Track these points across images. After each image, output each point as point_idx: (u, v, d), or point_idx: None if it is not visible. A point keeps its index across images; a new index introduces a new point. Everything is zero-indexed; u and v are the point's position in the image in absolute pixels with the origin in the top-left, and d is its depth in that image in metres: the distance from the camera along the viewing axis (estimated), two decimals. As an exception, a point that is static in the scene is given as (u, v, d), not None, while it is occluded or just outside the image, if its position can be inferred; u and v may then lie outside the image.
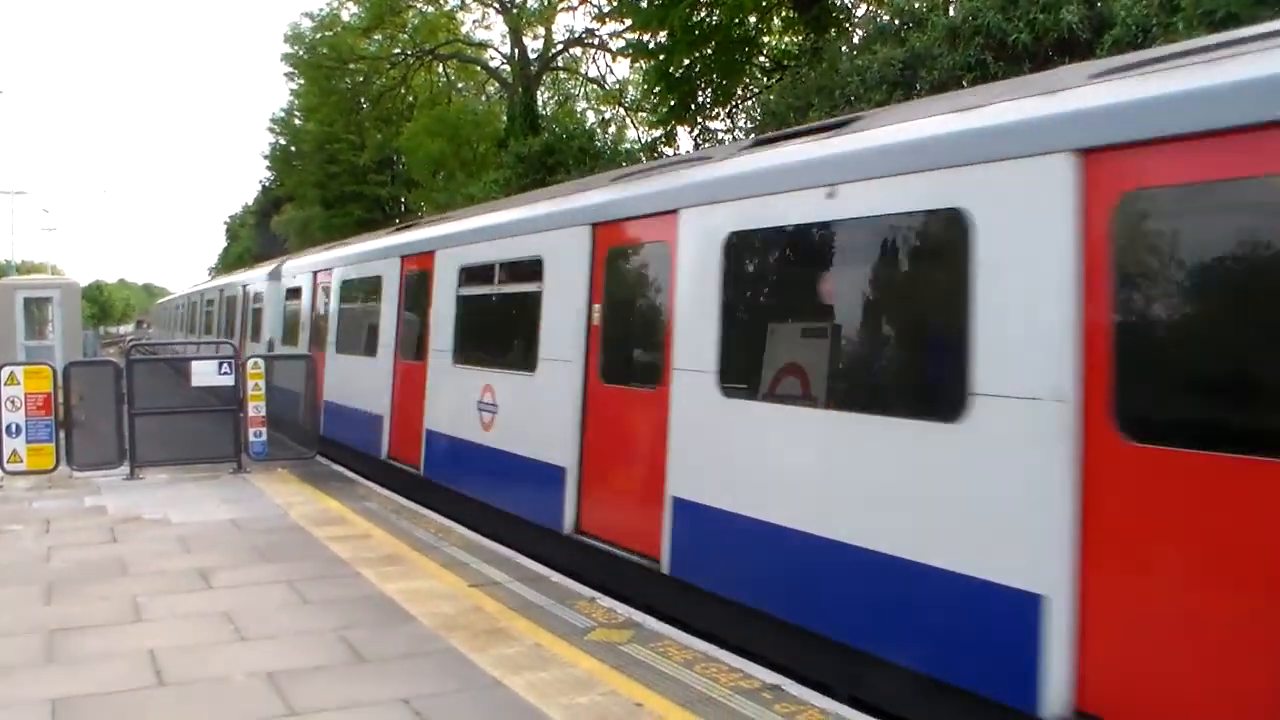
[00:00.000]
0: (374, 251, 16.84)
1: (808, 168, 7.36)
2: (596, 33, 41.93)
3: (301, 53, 48.55)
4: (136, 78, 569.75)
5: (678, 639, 7.37)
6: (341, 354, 17.53)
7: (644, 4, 25.27)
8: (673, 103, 26.31)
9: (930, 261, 6.57)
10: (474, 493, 12.06)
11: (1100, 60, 6.88)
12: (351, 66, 46.71)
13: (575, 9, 42.31)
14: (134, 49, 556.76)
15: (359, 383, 16.26)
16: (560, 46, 45.32)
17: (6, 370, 13.94)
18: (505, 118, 42.73)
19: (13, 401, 13.71)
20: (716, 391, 7.89)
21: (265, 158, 67.55)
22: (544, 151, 29.83)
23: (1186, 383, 5.13)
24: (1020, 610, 5.42)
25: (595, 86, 47.09)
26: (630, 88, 44.01)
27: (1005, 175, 5.79)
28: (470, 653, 6.99)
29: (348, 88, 48.70)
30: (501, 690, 6.31)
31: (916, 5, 18.62)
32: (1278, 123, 4.56)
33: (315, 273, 20.09)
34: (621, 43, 36.90)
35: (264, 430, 15.22)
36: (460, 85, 49.97)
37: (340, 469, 15.76)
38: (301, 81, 51.67)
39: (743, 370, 7.85)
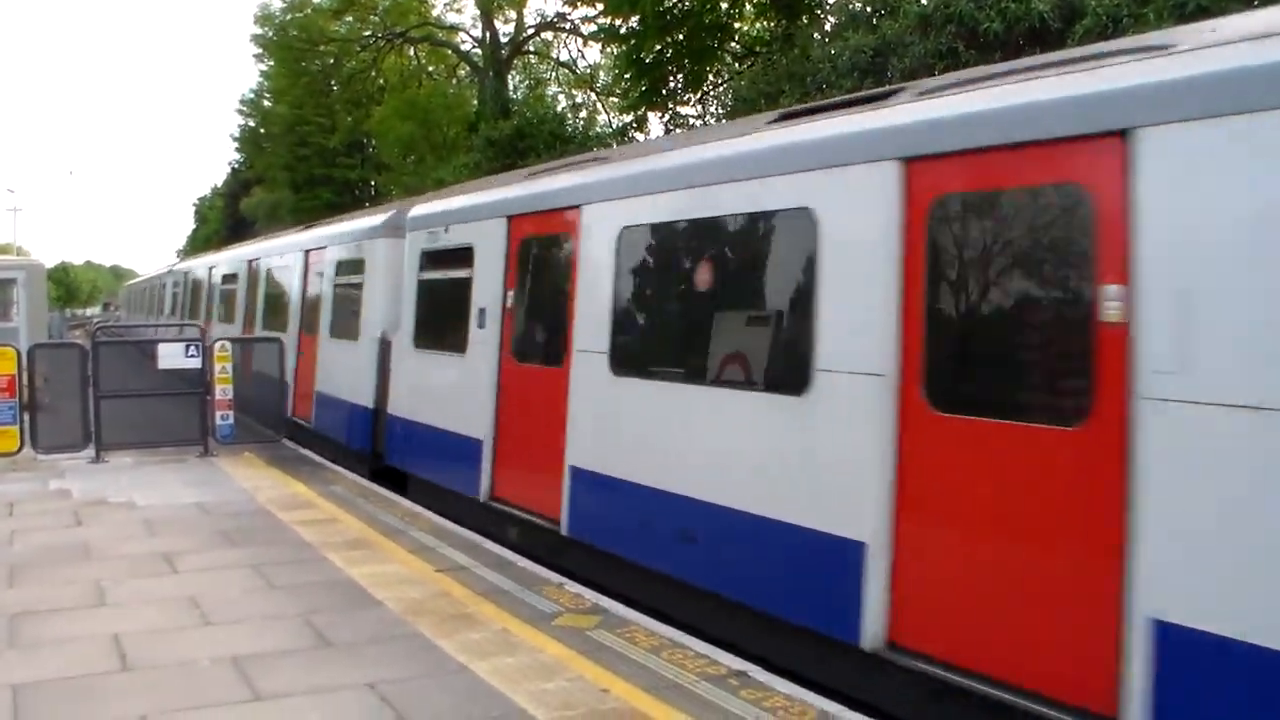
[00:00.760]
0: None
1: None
2: (568, 17, 41.80)
3: (271, 34, 48.08)
4: (104, 57, 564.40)
5: (645, 625, 7.40)
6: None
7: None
8: (644, 88, 26.23)
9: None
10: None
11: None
12: (322, 48, 46.33)
13: (547, -7, 42.22)
14: (100, 28, 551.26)
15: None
16: (532, 30, 45.18)
17: (-30, 352, 13.74)
18: (476, 101, 42.53)
19: (-24, 384, 13.56)
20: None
21: (234, 139, 66.90)
22: (515, 135, 29.68)
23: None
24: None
25: (566, 71, 46.97)
26: (602, 73, 43.90)
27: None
28: (437, 638, 6.99)
29: (318, 70, 48.27)
30: (468, 675, 6.31)
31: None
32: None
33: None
34: (593, 27, 36.79)
35: (231, 414, 15.14)
36: (431, 69, 49.66)
37: (308, 453, 15.71)
38: (271, 63, 51.15)
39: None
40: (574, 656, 6.67)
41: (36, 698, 5.90)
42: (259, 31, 49.11)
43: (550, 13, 43.61)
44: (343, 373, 15.50)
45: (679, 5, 24.09)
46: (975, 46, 14.95)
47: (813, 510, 6.68)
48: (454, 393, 11.69)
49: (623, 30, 26.63)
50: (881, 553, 6.16)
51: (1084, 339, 5.36)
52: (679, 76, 25.96)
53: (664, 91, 26.19)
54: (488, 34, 43.08)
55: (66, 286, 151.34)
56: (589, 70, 45.25)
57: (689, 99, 26.77)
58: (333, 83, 49.57)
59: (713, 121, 24.16)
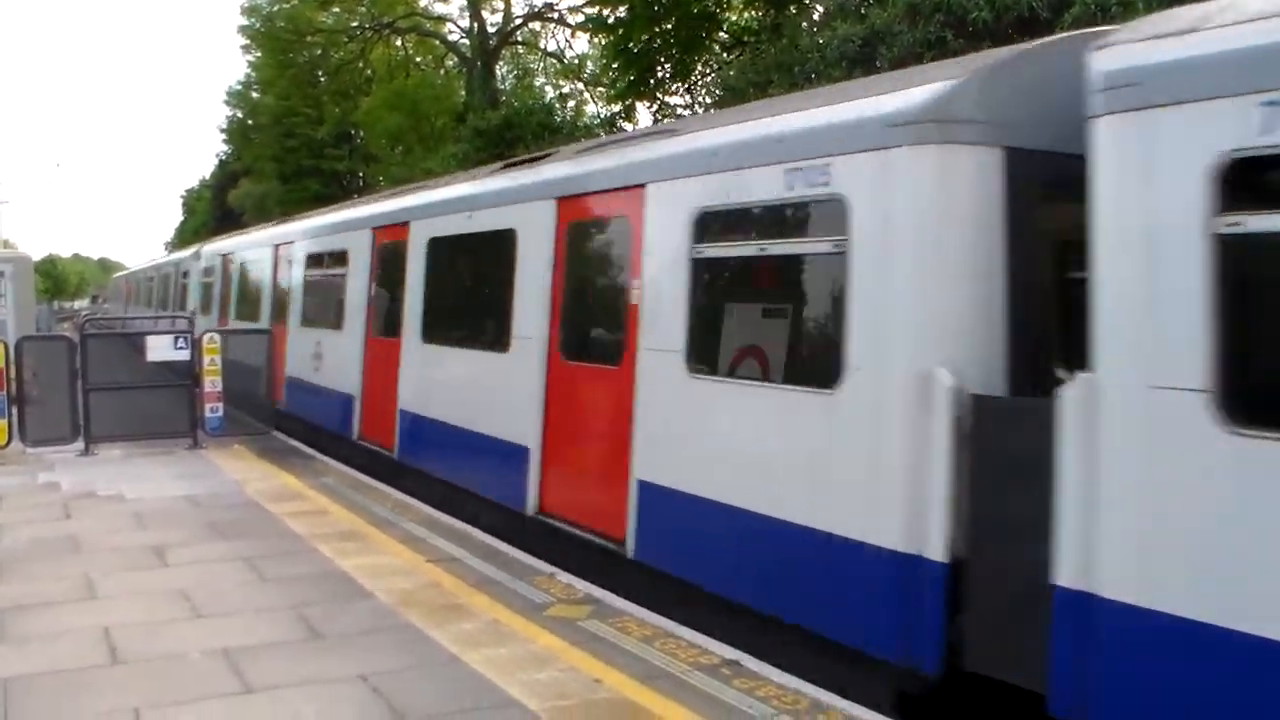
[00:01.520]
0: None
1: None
2: (555, 7, 41.76)
3: (258, 25, 47.79)
4: (90, 48, 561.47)
5: (637, 615, 7.39)
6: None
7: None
8: (631, 78, 26.19)
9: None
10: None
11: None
12: (309, 39, 46.10)
13: (535, -18, 42.07)
14: (87, 19, 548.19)
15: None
16: (519, 20, 45.02)
17: (-43, 346, 13.68)
18: (464, 92, 42.41)
19: (-36, 377, 13.50)
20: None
21: (222, 131, 66.62)
22: (503, 126, 29.60)
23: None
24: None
25: (554, 61, 46.86)
26: (589, 63, 43.79)
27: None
28: (428, 629, 7.00)
29: (305, 61, 48.11)
30: (459, 666, 6.32)
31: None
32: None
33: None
34: (581, 17, 36.72)
35: (220, 405, 15.09)
36: (419, 59, 49.52)
37: (297, 444, 15.67)
38: (258, 54, 50.97)
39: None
40: (566, 647, 6.67)
41: (27, 691, 5.89)
42: (246, 22, 48.79)
43: (538, 2, 43.37)
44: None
45: (668, -5, 24.05)
46: (964, 35, 14.91)
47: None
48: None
49: (611, 20, 26.60)
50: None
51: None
52: (667, 66, 25.92)
53: (652, 81, 26.15)
54: (475, 24, 43.00)
55: (54, 279, 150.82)
56: (576, 60, 45.19)
57: (677, 89, 26.74)
58: (320, 74, 49.47)
59: (701, 112, 24.12)
